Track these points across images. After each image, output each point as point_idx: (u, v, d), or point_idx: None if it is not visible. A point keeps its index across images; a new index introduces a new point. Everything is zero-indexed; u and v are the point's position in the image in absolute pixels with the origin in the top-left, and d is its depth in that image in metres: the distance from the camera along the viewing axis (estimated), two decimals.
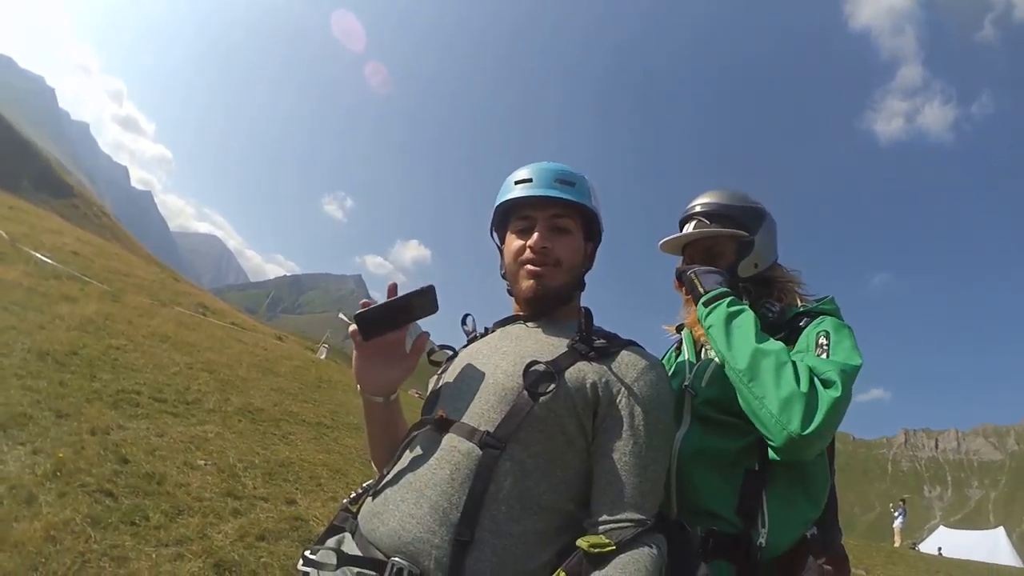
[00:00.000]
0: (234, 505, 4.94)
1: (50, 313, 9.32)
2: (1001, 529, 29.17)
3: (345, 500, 1.51)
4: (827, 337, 1.67)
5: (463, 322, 1.73)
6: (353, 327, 1.46)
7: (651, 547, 1.26)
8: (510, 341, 1.54)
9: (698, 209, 2.00)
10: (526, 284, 1.56)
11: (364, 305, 1.45)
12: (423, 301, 1.48)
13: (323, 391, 13.33)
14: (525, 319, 1.62)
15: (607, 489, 1.32)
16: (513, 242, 1.60)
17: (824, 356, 1.61)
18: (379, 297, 1.51)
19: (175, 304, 16.92)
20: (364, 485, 1.51)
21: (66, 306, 10.15)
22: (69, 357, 7.38)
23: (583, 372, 1.39)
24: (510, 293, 1.66)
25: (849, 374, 1.53)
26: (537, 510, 1.29)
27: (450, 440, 1.35)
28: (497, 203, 1.62)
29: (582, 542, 1.25)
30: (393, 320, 1.47)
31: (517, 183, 1.58)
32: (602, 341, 1.45)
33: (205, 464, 5.61)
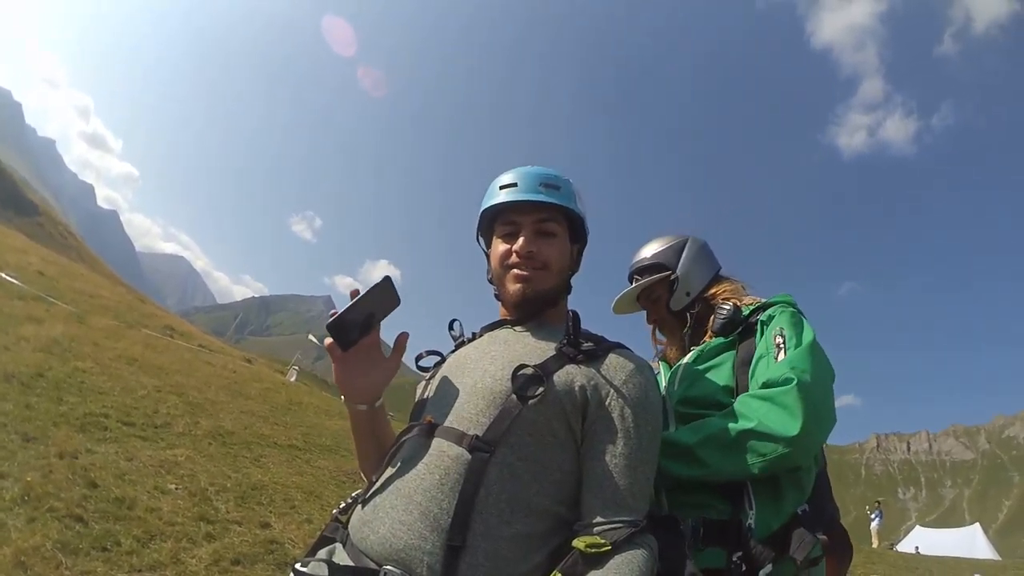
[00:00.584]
0: (207, 529, 4.85)
1: (15, 334, 9.10)
2: (977, 526, 29.70)
3: (335, 510, 1.51)
4: (783, 336, 1.72)
5: (450, 327, 1.73)
6: (329, 340, 1.43)
7: (644, 547, 1.27)
8: (498, 345, 1.54)
9: (632, 270, 2.23)
10: (513, 288, 1.56)
11: (332, 314, 1.41)
12: (384, 296, 1.44)
13: (294, 413, 13.11)
14: (513, 323, 1.62)
15: (599, 491, 1.33)
16: (499, 247, 1.60)
17: (781, 356, 1.66)
18: None
19: (142, 326, 16.65)
20: (353, 495, 1.50)
21: (31, 327, 9.92)
22: (35, 379, 7.22)
23: (571, 375, 1.40)
24: (498, 298, 1.67)
25: (802, 361, 1.61)
26: (528, 513, 1.29)
27: (439, 445, 1.34)
28: (483, 208, 1.63)
29: (578, 543, 1.25)
30: (366, 323, 1.44)
31: (502, 188, 1.58)
32: (590, 344, 1.46)
33: (176, 488, 5.51)
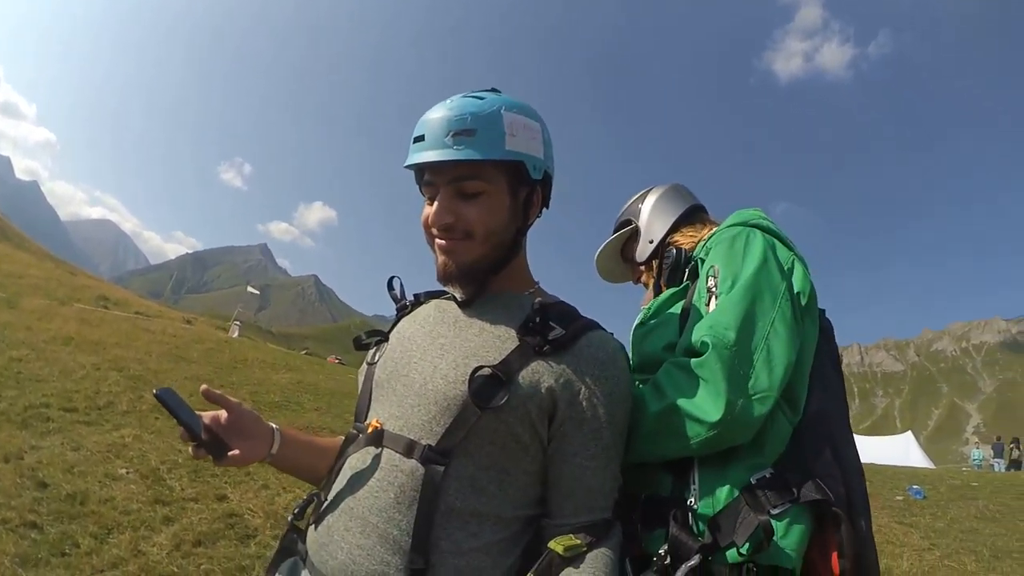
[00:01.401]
0: (164, 512, 4.81)
1: None
2: (909, 434, 30.64)
3: (289, 516, 1.40)
4: (715, 276, 1.48)
5: (390, 286, 1.54)
6: (201, 452, 1.25)
7: (614, 539, 1.22)
8: (448, 328, 1.33)
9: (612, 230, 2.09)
10: (438, 261, 1.32)
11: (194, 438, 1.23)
12: (175, 401, 1.23)
13: (239, 371, 12.96)
14: (462, 301, 1.37)
15: (570, 494, 1.23)
16: (424, 211, 1.33)
17: (712, 306, 1.42)
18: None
19: (75, 301, 16.14)
20: (307, 495, 1.39)
21: None
22: None
23: (538, 374, 1.21)
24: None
25: (726, 314, 1.35)
26: (495, 521, 1.19)
27: (390, 458, 1.21)
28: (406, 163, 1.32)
29: (555, 545, 1.16)
30: (194, 423, 1.24)
31: (414, 141, 1.27)
32: (558, 331, 1.24)
33: (127, 472, 5.48)
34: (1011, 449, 26.68)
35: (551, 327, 1.24)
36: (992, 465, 26.53)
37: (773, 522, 1.22)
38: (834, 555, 1.25)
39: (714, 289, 1.44)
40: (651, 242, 1.95)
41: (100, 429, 6.54)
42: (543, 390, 1.20)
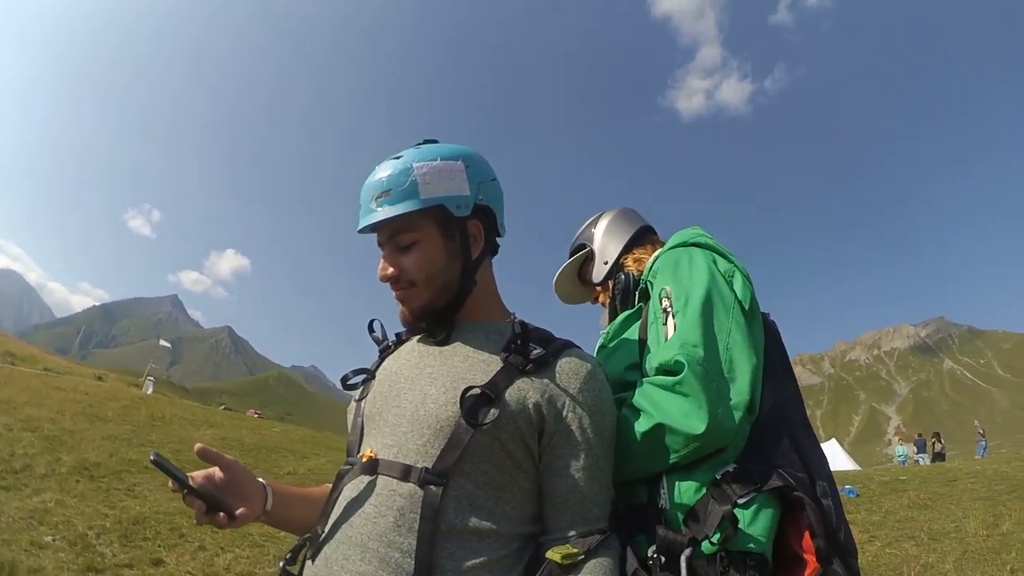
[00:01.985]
0: None
1: None
2: (834, 440, 31.82)
3: (282, 562, 1.36)
4: (669, 298, 1.54)
5: (370, 329, 1.57)
6: (200, 505, 1.18)
7: (612, 550, 1.24)
8: (434, 358, 1.38)
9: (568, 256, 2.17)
10: (400, 310, 1.42)
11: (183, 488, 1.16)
12: (165, 466, 1.15)
13: (159, 430, 12.57)
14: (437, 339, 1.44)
15: (564, 507, 1.26)
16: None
17: (671, 329, 1.48)
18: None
19: None
20: (298, 540, 1.36)
21: None
22: None
23: (524, 391, 1.26)
24: None
25: (692, 332, 1.42)
26: (495, 538, 1.21)
27: (386, 483, 1.22)
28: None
29: (553, 554, 1.19)
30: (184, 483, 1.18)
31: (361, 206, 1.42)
32: (539, 350, 1.31)
33: (54, 540, 5.16)
34: (933, 443, 28.00)
35: (532, 347, 1.30)
36: (916, 460, 27.58)
37: (739, 511, 1.29)
38: (806, 534, 1.31)
39: (670, 309, 1.51)
40: (606, 263, 2.04)
41: (19, 494, 6.17)
42: (530, 406, 1.25)
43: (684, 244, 1.70)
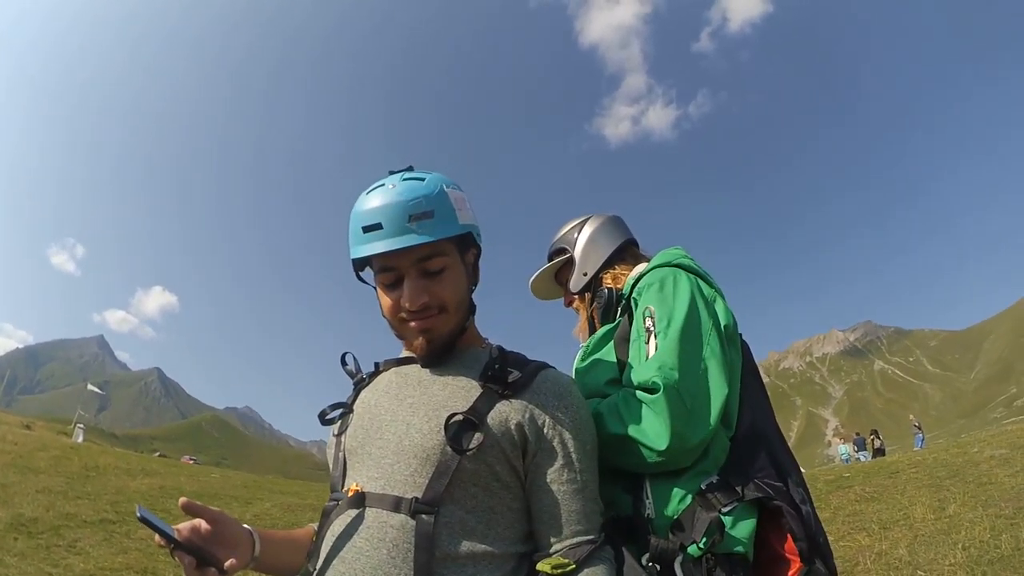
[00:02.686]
0: None
1: None
2: None
3: None
4: (652, 317, 1.59)
5: (343, 362, 1.53)
6: (190, 560, 1.14)
7: (605, 562, 1.26)
8: (413, 388, 1.37)
9: (548, 253, 2.18)
10: (417, 342, 1.36)
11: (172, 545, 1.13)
12: (153, 520, 1.13)
13: (94, 480, 12.03)
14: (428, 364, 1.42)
15: (553, 523, 1.27)
16: (385, 298, 1.37)
17: (653, 348, 1.54)
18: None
19: None
20: None
21: None
22: None
23: (505, 413, 1.27)
24: (400, 337, 1.43)
25: (670, 356, 1.48)
26: (489, 560, 1.21)
27: (376, 516, 1.20)
28: (352, 257, 1.35)
29: (543, 566, 1.22)
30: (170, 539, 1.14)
31: (366, 231, 1.29)
32: (515, 373, 1.32)
33: None
34: (872, 440, 29.30)
35: (509, 371, 1.33)
36: (858, 458, 28.37)
37: (723, 518, 1.39)
38: (788, 538, 1.42)
39: (652, 329, 1.57)
40: (585, 274, 2.04)
41: None
42: (512, 427, 1.27)
43: (669, 264, 1.74)
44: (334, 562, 1.21)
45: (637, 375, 1.51)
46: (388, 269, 1.33)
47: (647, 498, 1.45)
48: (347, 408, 1.45)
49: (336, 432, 1.43)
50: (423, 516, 1.18)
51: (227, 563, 1.15)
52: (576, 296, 2.10)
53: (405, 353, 1.48)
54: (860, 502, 9.69)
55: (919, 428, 29.63)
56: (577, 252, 2.07)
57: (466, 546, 1.20)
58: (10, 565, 5.75)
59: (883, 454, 26.68)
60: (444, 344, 1.38)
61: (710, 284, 1.72)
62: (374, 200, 1.30)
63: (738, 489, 1.43)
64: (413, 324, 1.35)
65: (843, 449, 31.53)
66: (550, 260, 2.16)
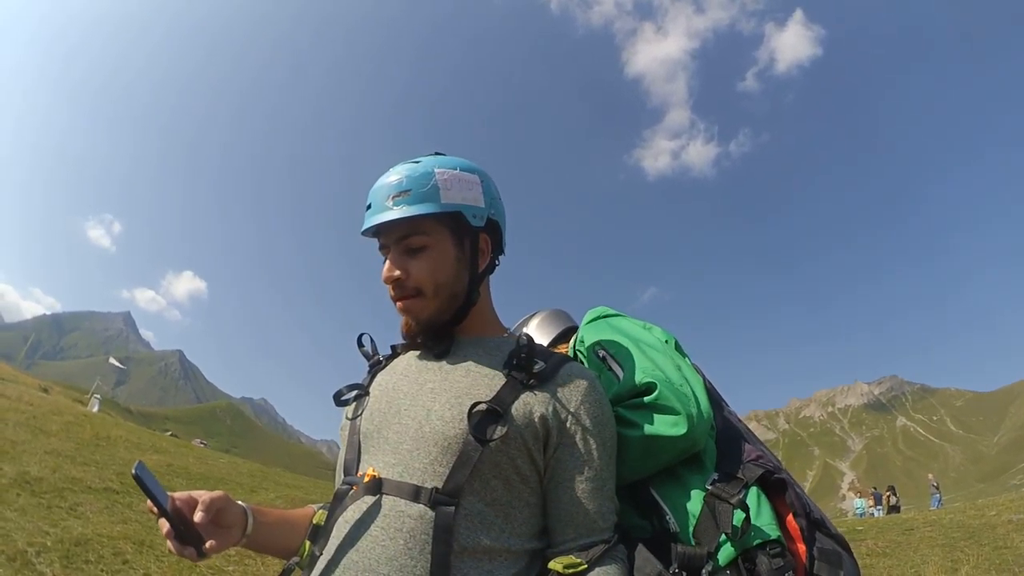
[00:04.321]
0: None
1: None
2: None
3: None
4: (604, 347, 1.61)
5: (359, 343, 1.53)
6: (168, 531, 1.13)
7: (618, 562, 1.23)
8: (434, 374, 1.35)
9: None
10: (401, 321, 1.40)
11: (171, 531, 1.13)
12: (148, 480, 1.12)
13: (103, 450, 12.11)
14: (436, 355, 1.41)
15: (570, 520, 1.25)
16: (382, 273, 1.39)
17: (619, 368, 1.54)
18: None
19: None
20: (285, 564, 1.33)
21: None
22: None
23: (529, 405, 1.25)
24: None
25: (646, 364, 1.49)
26: (506, 556, 1.19)
27: (394, 504, 1.18)
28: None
29: (555, 564, 1.19)
30: (181, 520, 1.14)
31: (366, 209, 1.38)
32: (541, 364, 1.30)
33: None
34: (888, 496, 28.76)
35: (535, 362, 1.30)
36: (872, 513, 28.14)
37: (738, 511, 1.32)
38: (789, 516, 1.37)
39: (607, 357, 1.56)
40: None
41: None
42: (536, 419, 1.24)
43: (596, 318, 1.79)
44: (348, 549, 1.18)
45: (623, 387, 1.48)
46: (383, 246, 1.39)
47: (667, 515, 1.39)
48: (363, 390, 1.43)
49: (350, 416, 1.41)
50: (443, 507, 1.16)
51: (207, 544, 1.14)
52: None
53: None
54: (872, 556, 9.53)
55: (937, 488, 29.09)
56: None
57: (484, 540, 1.18)
58: (9, 519, 5.77)
59: (898, 511, 26.29)
60: (426, 329, 1.38)
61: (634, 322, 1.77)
62: (376, 183, 1.39)
63: (740, 476, 1.40)
64: (397, 304, 1.38)
65: (859, 503, 31.10)
66: None
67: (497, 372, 1.32)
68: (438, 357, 1.39)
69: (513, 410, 1.24)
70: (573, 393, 1.30)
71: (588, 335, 1.70)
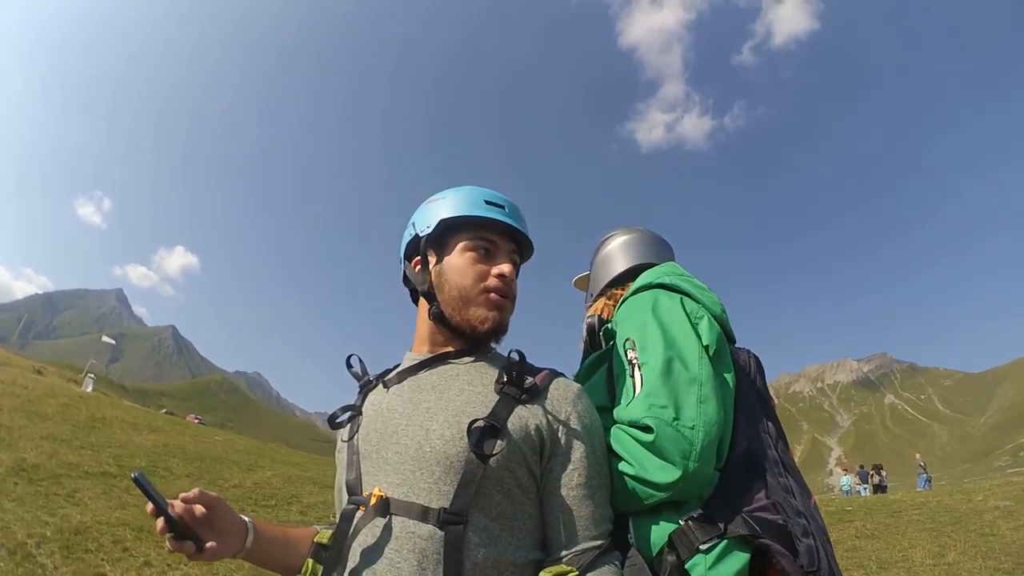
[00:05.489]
0: None
1: None
2: None
3: None
4: (634, 348, 1.53)
5: (348, 364, 1.54)
6: (189, 545, 1.16)
7: (610, 564, 1.25)
8: (428, 393, 1.37)
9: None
10: (484, 314, 1.40)
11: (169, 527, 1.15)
12: (148, 486, 1.13)
13: (99, 432, 12.15)
14: (431, 361, 1.44)
15: (562, 527, 1.27)
16: (474, 264, 1.42)
17: (639, 382, 1.48)
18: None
19: None
20: None
21: None
22: None
23: (524, 418, 1.29)
24: (437, 319, 1.45)
25: (658, 394, 1.41)
26: (512, 569, 1.21)
27: (403, 525, 1.20)
28: (461, 213, 1.44)
29: (545, 574, 1.21)
30: (185, 525, 1.17)
31: (489, 204, 1.45)
32: (531, 379, 1.34)
33: None
34: (874, 475, 29.00)
35: (524, 378, 1.33)
36: (859, 491, 28.34)
37: (700, 556, 1.29)
38: None
39: (635, 361, 1.51)
40: (591, 295, 2.04)
41: None
42: (531, 431, 1.28)
43: (649, 286, 1.70)
44: (361, 571, 1.21)
45: (627, 414, 1.45)
46: (489, 241, 1.45)
47: (630, 532, 1.39)
48: (356, 411, 1.46)
49: (346, 438, 1.44)
50: (451, 527, 1.18)
51: (207, 544, 1.17)
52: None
53: (412, 359, 1.48)
54: (860, 538, 9.64)
55: (924, 469, 29.33)
56: (592, 270, 2.07)
57: (492, 555, 1.20)
58: (7, 510, 5.80)
59: (884, 490, 26.59)
60: (501, 331, 1.44)
61: (697, 300, 1.65)
62: (487, 191, 1.49)
63: (720, 525, 1.34)
64: (494, 296, 1.41)
65: (845, 480, 31.37)
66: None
67: (490, 388, 1.34)
68: (433, 373, 1.42)
69: (509, 424, 1.27)
70: (562, 404, 1.35)
71: (626, 320, 1.63)
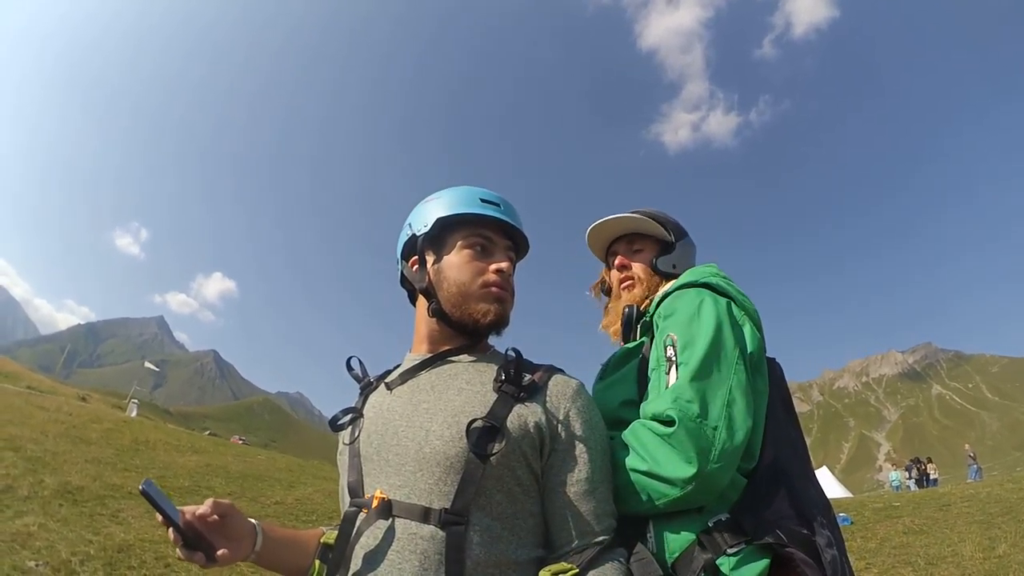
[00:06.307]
0: None
1: None
2: (824, 468, 31.92)
3: None
4: (674, 346, 1.51)
5: (348, 366, 1.56)
6: (176, 537, 1.16)
7: (615, 560, 1.25)
8: (427, 394, 1.38)
9: (635, 210, 1.97)
10: (486, 307, 1.42)
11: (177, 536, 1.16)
12: (157, 496, 1.15)
13: (142, 454, 12.41)
14: (430, 361, 1.45)
15: (564, 524, 1.28)
16: (472, 261, 1.45)
17: (673, 378, 1.46)
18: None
19: None
20: None
21: None
22: None
23: (523, 416, 1.30)
24: (437, 315, 1.45)
25: (687, 389, 1.40)
26: (514, 568, 1.22)
27: (405, 527, 1.21)
28: (456, 212, 1.46)
29: (544, 573, 1.21)
30: (191, 531, 1.18)
31: (484, 201, 1.47)
32: (529, 377, 1.35)
33: (36, 565, 4.99)
34: (923, 468, 28.50)
35: (523, 375, 1.35)
36: (908, 486, 27.77)
37: (724, 559, 1.31)
38: None
39: (674, 359, 1.49)
40: (674, 266, 1.90)
41: (1, 516, 6.01)
42: (531, 429, 1.29)
43: (696, 284, 1.67)
44: (364, 574, 1.22)
45: (652, 407, 1.45)
46: (486, 238, 1.48)
47: (649, 534, 1.39)
48: (357, 413, 1.47)
49: (347, 440, 1.45)
50: (453, 527, 1.19)
51: (218, 552, 1.18)
52: (643, 274, 1.92)
53: (412, 359, 1.50)
54: (908, 534, 9.44)
55: (974, 459, 28.58)
56: (678, 247, 1.92)
57: (494, 554, 1.21)
58: (52, 530, 5.91)
59: (935, 484, 25.94)
60: (502, 325, 1.45)
61: (741, 305, 1.63)
62: (482, 190, 1.52)
63: (748, 531, 1.35)
64: (494, 290, 1.44)
65: (894, 475, 30.77)
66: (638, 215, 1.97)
67: (488, 388, 1.35)
68: (431, 373, 1.43)
69: (508, 423, 1.28)
70: (562, 401, 1.36)
71: (670, 315, 1.59)
